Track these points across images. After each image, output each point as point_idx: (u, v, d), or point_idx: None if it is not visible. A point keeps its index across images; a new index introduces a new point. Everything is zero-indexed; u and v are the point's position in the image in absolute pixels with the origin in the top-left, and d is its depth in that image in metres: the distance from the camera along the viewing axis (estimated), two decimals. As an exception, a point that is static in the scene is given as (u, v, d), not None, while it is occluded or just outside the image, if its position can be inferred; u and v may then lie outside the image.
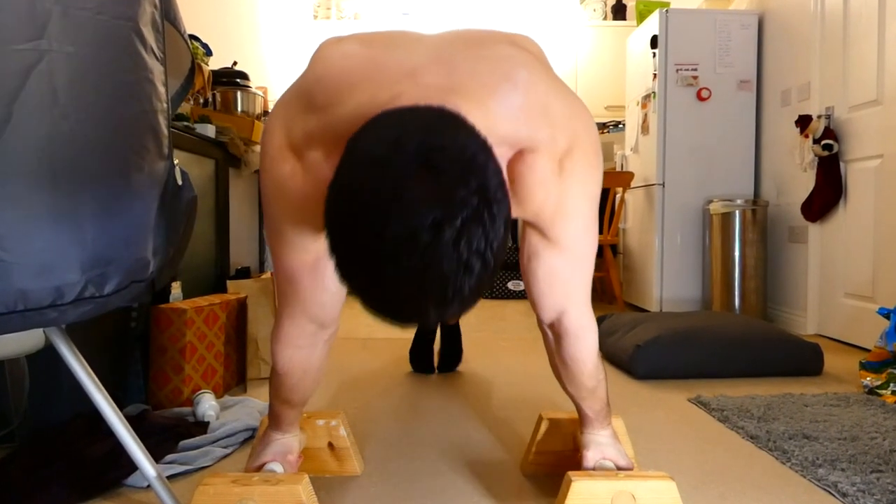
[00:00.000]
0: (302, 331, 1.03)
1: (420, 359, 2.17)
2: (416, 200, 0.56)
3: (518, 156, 0.85)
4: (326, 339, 1.07)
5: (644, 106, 3.67)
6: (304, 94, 0.86)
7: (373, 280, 0.59)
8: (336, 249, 0.60)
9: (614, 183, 3.72)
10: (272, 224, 0.95)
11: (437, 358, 2.20)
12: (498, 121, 0.80)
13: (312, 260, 0.95)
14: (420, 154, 0.58)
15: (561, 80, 0.93)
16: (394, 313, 0.62)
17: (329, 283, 0.97)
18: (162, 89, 0.99)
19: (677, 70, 3.41)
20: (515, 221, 1.53)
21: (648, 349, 2.09)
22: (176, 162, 1.04)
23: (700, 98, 3.40)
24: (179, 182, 1.05)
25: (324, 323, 1.03)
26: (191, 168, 2.03)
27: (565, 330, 1.03)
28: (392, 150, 0.59)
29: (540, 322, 1.07)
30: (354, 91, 0.80)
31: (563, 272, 0.98)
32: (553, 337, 1.07)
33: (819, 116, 2.83)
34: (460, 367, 2.21)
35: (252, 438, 1.46)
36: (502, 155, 0.84)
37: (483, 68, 0.83)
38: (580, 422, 1.16)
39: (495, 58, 0.85)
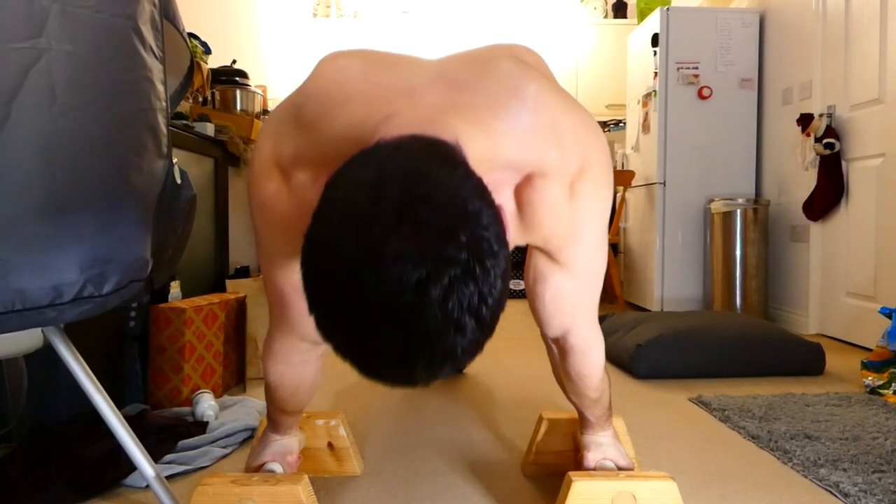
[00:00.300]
0: (294, 348, 1.00)
1: None
2: (398, 259, 0.50)
3: (526, 181, 0.80)
4: (320, 355, 1.05)
5: (645, 104, 3.66)
6: (296, 108, 0.82)
7: (354, 344, 0.54)
8: (314, 308, 0.55)
9: (615, 182, 3.71)
10: (259, 241, 0.92)
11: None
12: (504, 143, 0.75)
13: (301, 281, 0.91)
14: (402, 205, 0.52)
15: (568, 94, 0.87)
16: (379, 377, 0.56)
17: None
18: (161, 88, 0.98)
19: (678, 68, 3.40)
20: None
21: (649, 349, 2.08)
22: (175, 161, 1.04)
23: (701, 97, 3.39)
24: (178, 181, 1.05)
25: (317, 341, 0.99)
26: (190, 167, 2.03)
27: (571, 347, 1.01)
28: (370, 200, 0.52)
29: (544, 336, 1.05)
30: (347, 107, 0.76)
31: (571, 294, 0.95)
32: (558, 351, 1.06)
33: (821, 115, 2.81)
34: (460, 367, 2.21)
35: (251, 438, 1.46)
36: (508, 180, 0.80)
37: (487, 85, 0.78)
38: (581, 424, 1.15)
39: (499, 73, 0.79)
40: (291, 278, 0.91)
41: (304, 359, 1.03)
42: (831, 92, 2.82)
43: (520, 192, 0.81)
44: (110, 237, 0.88)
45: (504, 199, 0.80)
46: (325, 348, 1.04)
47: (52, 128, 0.81)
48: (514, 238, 0.85)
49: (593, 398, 1.08)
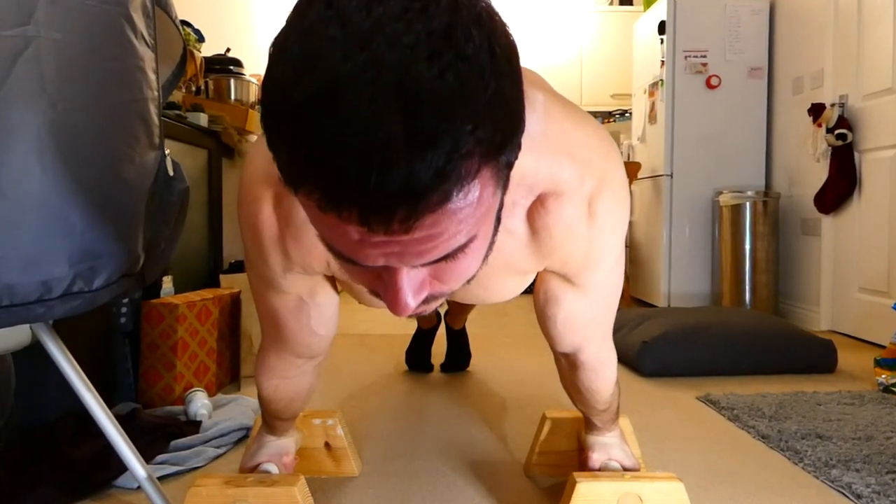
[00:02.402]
0: (289, 364, 0.99)
1: (417, 358, 2.11)
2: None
3: (539, 203, 0.73)
4: (316, 366, 1.03)
5: (651, 94, 3.62)
6: None
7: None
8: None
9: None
10: (248, 259, 0.87)
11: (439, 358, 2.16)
12: None
13: (294, 301, 0.88)
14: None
15: (577, 106, 0.81)
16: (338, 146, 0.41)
17: (316, 326, 0.91)
18: (153, 77, 0.97)
19: (686, 57, 3.35)
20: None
21: (655, 346, 2.05)
22: (167, 152, 1.02)
23: (709, 86, 3.35)
24: (171, 173, 1.04)
25: (312, 356, 0.98)
26: (183, 158, 2.00)
27: (582, 363, 0.98)
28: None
29: (553, 349, 1.01)
30: None
31: (586, 314, 0.91)
32: (567, 365, 1.03)
33: (832, 105, 2.77)
34: (462, 364, 2.18)
35: (246, 438, 1.43)
36: (520, 202, 0.73)
37: None
38: (585, 424, 1.13)
39: None
40: (284, 299, 0.88)
41: (300, 372, 1.01)
42: (843, 81, 2.77)
43: (533, 215, 0.74)
44: (101, 231, 0.86)
45: (516, 223, 0.74)
46: (322, 359, 1.02)
47: (41, 119, 0.80)
48: (530, 265, 0.80)
49: (601, 410, 1.06)
